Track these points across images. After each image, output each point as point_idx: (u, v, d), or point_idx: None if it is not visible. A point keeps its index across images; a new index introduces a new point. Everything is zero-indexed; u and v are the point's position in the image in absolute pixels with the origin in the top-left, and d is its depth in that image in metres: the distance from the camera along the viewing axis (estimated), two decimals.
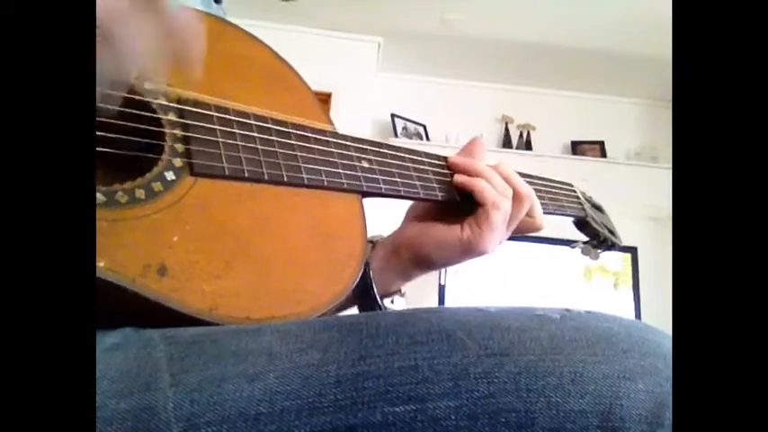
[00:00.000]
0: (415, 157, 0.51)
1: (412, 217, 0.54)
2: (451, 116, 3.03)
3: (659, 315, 2.67)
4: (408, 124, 2.98)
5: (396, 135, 2.84)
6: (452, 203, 0.52)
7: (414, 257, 0.51)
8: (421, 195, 0.49)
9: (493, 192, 0.49)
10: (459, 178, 0.51)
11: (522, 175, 0.55)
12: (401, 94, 3.04)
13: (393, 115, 2.93)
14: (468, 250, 0.50)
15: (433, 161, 0.52)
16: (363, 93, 2.75)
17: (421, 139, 2.95)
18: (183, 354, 0.29)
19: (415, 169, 0.50)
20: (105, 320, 0.33)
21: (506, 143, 3.03)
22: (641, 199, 2.76)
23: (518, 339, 0.29)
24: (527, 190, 0.51)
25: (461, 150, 0.55)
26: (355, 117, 2.61)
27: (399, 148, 0.51)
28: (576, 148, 3.06)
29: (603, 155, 3.03)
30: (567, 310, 0.32)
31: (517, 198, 0.51)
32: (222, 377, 0.27)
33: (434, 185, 0.50)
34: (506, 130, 3.07)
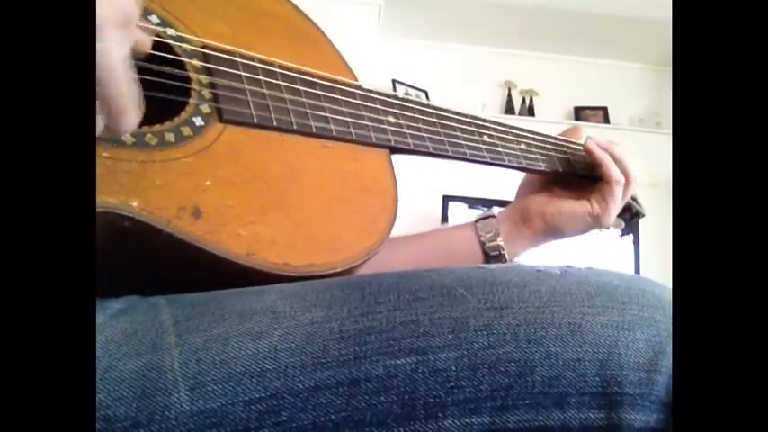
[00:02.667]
0: (443, 113, 0.51)
1: (528, 191, 0.58)
2: (453, 82, 2.98)
3: (659, 280, 2.68)
4: (409, 90, 2.94)
5: None
6: (558, 176, 0.55)
7: (548, 227, 0.55)
8: (449, 153, 0.49)
9: (618, 170, 0.54)
10: (593, 147, 0.55)
11: (555, 138, 0.58)
12: (402, 59, 2.99)
13: (394, 81, 2.89)
14: (596, 224, 0.54)
15: (468, 120, 0.52)
16: (364, 58, 2.70)
17: None
18: (188, 315, 0.30)
19: (443, 126, 0.50)
20: (138, 267, 0.33)
21: (509, 109, 3.00)
22: (644, 165, 2.75)
23: (518, 293, 0.30)
24: (635, 173, 0.56)
25: (563, 133, 0.60)
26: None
27: (426, 104, 0.51)
28: (580, 113, 3.03)
29: (607, 121, 3.00)
30: (568, 266, 0.33)
31: (629, 179, 0.56)
32: (227, 336, 0.28)
33: (462, 144, 0.50)
34: (509, 95, 3.04)
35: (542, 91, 3.02)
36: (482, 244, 0.54)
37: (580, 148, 0.59)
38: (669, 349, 0.29)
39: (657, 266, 2.81)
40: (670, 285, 0.31)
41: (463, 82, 2.99)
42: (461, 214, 2.68)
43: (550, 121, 2.88)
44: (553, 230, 0.55)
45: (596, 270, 0.33)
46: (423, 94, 2.97)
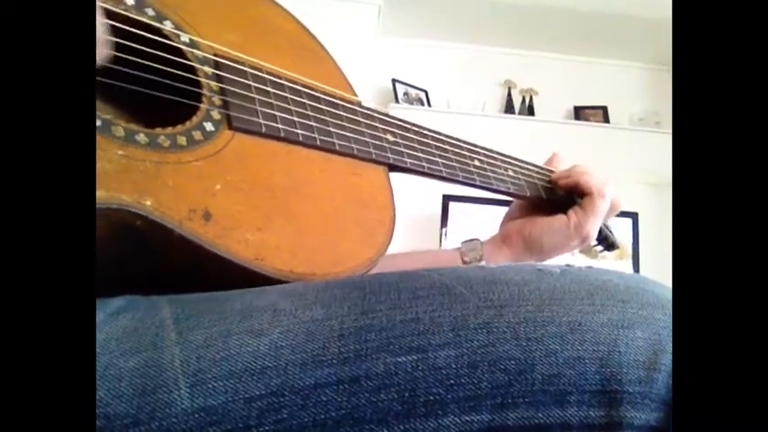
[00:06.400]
0: (437, 136, 0.53)
1: (509, 218, 0.61)
2: (453, 81, 2.99)
3: (658, 279, 2.68)
4: (410, 89, 2.94)
5: (397, 101, 2.81)
6: (540, 204, 0.58)
7: (526, 243, 0.57)
8: (443, 174, 0.51)
9: (596, 182, 0.56)
10: (561, 179, 0.59)
11: (538, 166, 0.62)
12: (402, 58, 2.99)
13: (394, 80, 2.89)
14: (576, 233, 0.56)
15: (459, 144, 0.54)
16: (363, 57, 2.70)
17: (422, 104, 2.91)
18: (188, 313, 0.30)
19: (437, 147, 0.52)
20: (144, 269, 0.34)
21: (509, 108, 2.99)
22: (644, 164, 2.75)
23: (518, 291, 0.30)
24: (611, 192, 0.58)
25: (545, 163, 0.62)
26: (355, 82, 2.56)
27: (420, 126, 0.53)
28: (579, 113, 3.03)
29: (606, 120, 3.00)
30: (568, 265, 0.33)
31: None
32: (228, 333, 0.28)
33: (455, 166, 0.52)
34: (509, 95, 3.03)
35: (542, 90, 3.02)
36: (465, 264, 0.57)
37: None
38: (669, 347, 0.29)
39: (657, 266, 2.81)
40: (670, 285, 0.31)
41: (463, 81, 2.99)
42: (461, 214, 2.68)
43: (550, 121, 2.88)
44: (531, 246, 0.57)
45: (596, 269, 0.33)
46: (423, 94, 2.97)
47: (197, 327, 0.28)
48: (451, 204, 2.72)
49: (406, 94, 2.92)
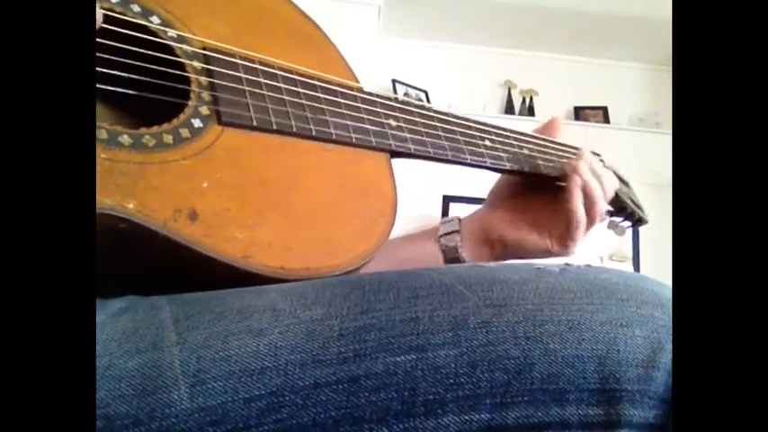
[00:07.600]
0: (445, 117, 0.51)
1: (493, 202, 0.59)
2: (453, 82, 2.99)
3: (658, 278, 2.68)
4: (410, 90, 2.94)
5: None
6: (530, 182, 0.55)
7: (507, 253, 0.56)
8: (449, 157, 0.49)
9: (582, 212, 0.53)
10: (577, 171, 0.54)
11: (556, 142, 0.58)
12: (402, 59, 2.99)
13: (394, 81, 2.90)
14: (553, 256, 0.55)
15: (469, 124, 0.52)
16: (363, 58, 2.70)
17: None
18: (188, 313, 0.30)
19: (444, 130, 0.50)
20: (134, 270, 0.34)
21: (509, 109, 3.00)
22: (644, 165, 2.75)
23: (517, 290, 0.30)
24: (603, 213, 0.56)
25: (542, 128, 0.59)
26: None
27: (427, 107, 0.51)
28: (579, 113, 3.03)
29: (607, 120, 3.00)
30: (567, 263, 0.33)
31: (593, 219, 0.55)
32: (227, 333, 0.28)
33: (463, 148, 0.50)
34: (509, 95, 3.04)
35: (542, 91, 3.02)
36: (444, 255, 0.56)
37: (576, 153, 0.59)
38: (668, 346, 0.29)
39: (657, 265, 2.81)
40: (670, 284, 0.31)
41: (463, 82, 2.99)
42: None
43: None
44: (512, 256, 0.57)
45: (595, 268, 0.33)
46: (423, 94, 2.97)
47: (196, 327, 0.28)
48: (452, 205, 2.72)
49: (406, 94, 2.92)
